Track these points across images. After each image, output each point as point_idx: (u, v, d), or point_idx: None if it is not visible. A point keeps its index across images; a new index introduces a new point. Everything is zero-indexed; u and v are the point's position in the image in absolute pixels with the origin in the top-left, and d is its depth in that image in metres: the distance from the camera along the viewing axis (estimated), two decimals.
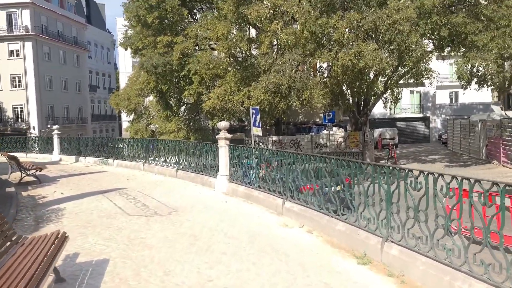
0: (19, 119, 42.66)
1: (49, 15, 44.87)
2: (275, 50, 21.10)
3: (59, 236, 4.20)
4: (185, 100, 26.79)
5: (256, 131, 11.66)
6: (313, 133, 30.30)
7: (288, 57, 17.18)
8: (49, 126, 43.26)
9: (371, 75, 20.48)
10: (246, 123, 32.09)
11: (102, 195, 9.43)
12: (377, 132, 33.94)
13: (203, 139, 26.46)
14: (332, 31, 15.96)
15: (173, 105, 26.97)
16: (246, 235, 6.20)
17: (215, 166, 10.77)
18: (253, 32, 24.20)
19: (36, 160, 20.45)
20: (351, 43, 15.70)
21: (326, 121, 25.24)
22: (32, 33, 41.63)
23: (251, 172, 9.61)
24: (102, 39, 59.90)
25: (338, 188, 6.50)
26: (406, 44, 15.73)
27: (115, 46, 57.22)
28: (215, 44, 22.76)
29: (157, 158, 14.17)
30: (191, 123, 26.87)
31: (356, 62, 15.26)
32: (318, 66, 22.12)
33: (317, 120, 34.04)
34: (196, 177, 11.61)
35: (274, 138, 27.05)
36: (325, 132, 27.41)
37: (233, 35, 21.38)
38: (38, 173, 11.65)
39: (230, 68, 23.24)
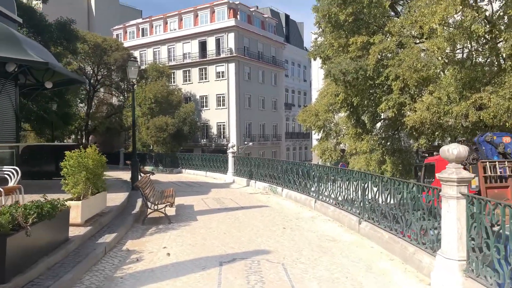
0: (221, 136, 45.33)
1: (251, 37, 46.67)
2: None
3: None
4: (382, 115, 21.41)
5: None
6: None
7: None
8: (246, 143, 44.57)
9: None
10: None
11: (219, 270, 5.40)
12: None
13: (403, 164, 20.48)
14: None
15: (366, 121, 22.01)
16: None
17: (430, 231, 5.46)
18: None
19: (213, 180, 18.91)
20: None
21: None
22: (235, 55, 43.74)
23: None
24: (299, 57, 59.83)
25: None
26: None
27: (311, 62, 56.27)
28: (427, 38, 16.61)
29: (332, 195, 9.60)
30: (388, 143, 21.24)
31: None
32: None
33: None
34: (393, 242, 6.46)
35: None
36: None
37: (454, 20, 14.99)
38: (169, 208, 8.76)
39: (446, 72, 16.79)
